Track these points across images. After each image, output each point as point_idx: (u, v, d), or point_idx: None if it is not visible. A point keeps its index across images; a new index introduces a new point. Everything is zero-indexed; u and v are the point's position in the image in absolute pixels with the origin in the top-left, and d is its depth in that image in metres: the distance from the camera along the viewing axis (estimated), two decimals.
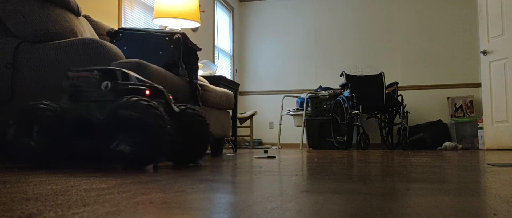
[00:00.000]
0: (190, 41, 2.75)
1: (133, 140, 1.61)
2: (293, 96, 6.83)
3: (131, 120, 1.61)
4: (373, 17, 6.96)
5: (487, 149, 5.11)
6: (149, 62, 2.54)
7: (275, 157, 2.98)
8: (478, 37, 6.42)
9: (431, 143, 6.06)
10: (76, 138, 1.76)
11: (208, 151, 4.29)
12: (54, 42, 2.30)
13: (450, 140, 6.10)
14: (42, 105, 1.75)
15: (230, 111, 4.62)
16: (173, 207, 0.76)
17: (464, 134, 5.99)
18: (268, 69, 7.37)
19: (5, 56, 2.30)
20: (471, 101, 6.36)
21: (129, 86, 1.76)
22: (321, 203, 0.82)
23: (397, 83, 5.74)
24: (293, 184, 1.18)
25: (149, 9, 4.61)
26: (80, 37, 2.48)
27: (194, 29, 5.55)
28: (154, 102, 1.67)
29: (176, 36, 2.63)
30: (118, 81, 1.76)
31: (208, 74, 4.39)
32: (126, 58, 2.61)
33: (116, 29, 2.78)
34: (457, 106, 6.40)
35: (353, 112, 5.21)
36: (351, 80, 5.59)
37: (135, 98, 1.63)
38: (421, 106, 6.70)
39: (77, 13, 2.61)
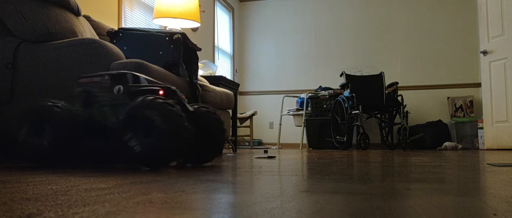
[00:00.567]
0: (190, 41, 2.75)
1: (151, 139, 1.60)
2: (293, 96, 6.83)
3: (148, 119, 1.60)
4: (373, 17, 6.96)
5: (487, 149, 5.11)
6: (149, 62, 2.54)
7: (275, 157, 2.98)
8: (478, 37, 6.42)
9: (431, 143, 6.06)
10: (90, 140, 1.77)
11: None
12: (54, 42, 2.30)
13: (450, 140, 6.10)
14: (56, 107, 1.76)
15: (230, 111, 4.62)
16: (174, 207, 0.76)
17: (464, 134, 5.99)
18: (268, 69, 7.37)
19: (5, 56, 2.30)
20: (471, 101, 6.36)
21: (142, 88, 1.77)
22: (321, 203, 0.82)
23: (397, 83, 5.74)
24: (293, 184, 1.18)
25: (149, 9, 4.61)
26: (80, 37, 2.48)
27: (194, 29, 5.55)
28: (170, 100, 1.67)
29: (176, 36, 2.63)
30: (130, 84, 1.77)
31: (208, 74, 4.39)
32: (126, 58, 2.61)
33: (116, 29, 2.78)
34: (457, 106, 6.40)
35: (353, 112, 5.21)
36: (351, 80, 5.59)
37: (151, 97, 1.63)
38: (421, 106, 6.70)
39: (77, 13, 2.61)
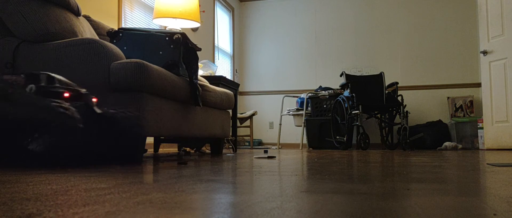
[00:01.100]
0: (190, 41, 2.75)
1: (43, 139, 1.71)
2: (293, 96, 6.84)
3: (42, 120, 1.71)
4: (373, 17, 6.96)
5: (487, 149, 5.11)
6: (149, 62, 2.54)
7: (275, 157, 2.98)
8: (478, 37, 6.42)
9: (431, 143, 6.06)
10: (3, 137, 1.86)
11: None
12: (54, 42, 2.30)
13: (450, 140, 6.10)
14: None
15: (230, 111, 4.62)
16: (174, 207, 0.76)
17: (464, 134, 5.99)
18: (268, 69, 7.37)
19: (5, 56, 2.30)
20: (471, 101, 6.36)
21: (50, 89, 1.87)
22: (321, 203, 0.82)
23: (397, 83, 5.74)
24: (293, 184, 1.18)
25: (149, 9, 4.61)
26: (80, 37, 2.48)
27: (194, 29, 5.55)
28: (67, 103, 1.77)
29: (176, 36, 2.63)
30: (42, 85, 1.87)
31: (208, 74, 4.39)
32: (126, 58, 2.61)
33: (116, 29, 2.78)
34: (457, 106, 6.40)
35: (353, 112, 5.21)
36: (351, 80, 5.59)
37: (47, 100, 1.74)
38: (421, 106, 6.70)
39: (77, 13, 2.61)
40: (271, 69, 7.35)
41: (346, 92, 5.50)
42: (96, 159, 2.06)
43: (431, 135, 6.09)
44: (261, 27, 7.43)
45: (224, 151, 4.56)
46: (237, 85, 4.64)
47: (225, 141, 4.74)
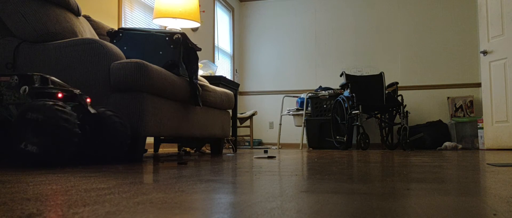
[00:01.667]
0: (190, 41, 2.75)
1: (38, 139, 1.73)
2: (293, 96, 6.84)
3: (37, 121, 1.72)
4: (373, 17, 6.96)
5: (487, 149, 5.11)
6: (149, 62, 2.54)
7: (275, 157, 2.98)
8: (478, 37, 6.42)
9: (431, 143, 6.06)
10: None
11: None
12: (54, 42, 2.30)
13: (450, 140, 6.10)
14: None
15: (230, 111, 4.62)
16: (174, 207, 0.76)
17: (464, 134, 5.99)
18: (268, 69, 7.37)
19: (5, 56, 2.30)
20: (471, 101, 6.36)
21: (43, 90, 1.89)
22: (321, 203, 0.82)
23: (397, 83, 5.74)
24: (293, 184, 1.18)
25: (149, 9, 4.61)
26: (80, 37, 2.48)
27: (194, 29, 5.55)
28: (62, 104, 1.78)
29: (176, 36, 2.63)
30: (35, 86, 1.89)
31: (208, 74, 4.39)
32: (126, 58, 2.61)
33: (116, 29, 2.78)
34: (457, 106, 6.40)
35: (353, 112, 5.21)
36: (351, 80, 5.59)
37: (42, 101, 1.75)
38: (421, 106, 6.70)
39: (77, 13, 2.61)
40: (271, 69, 7.35)
41: (346, 92, 5.50)
42: (90, 159, 2.08)
43: (431, 135, 6.09)
44: (261, 27, 7.43)
45: (224, 151, 4.56)
46: (237, 85, 4.64)
47: (225, 141, 4.74)
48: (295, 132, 7.14)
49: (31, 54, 2.29)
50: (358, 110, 5.15)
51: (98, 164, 1.93)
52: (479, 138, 5.50)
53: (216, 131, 3.42)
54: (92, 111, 2.00)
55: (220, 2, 6.65)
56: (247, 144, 7.06)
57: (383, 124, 5.84)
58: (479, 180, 1.31)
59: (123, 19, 4.04)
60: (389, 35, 6.87)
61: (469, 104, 6.36)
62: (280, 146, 6.96)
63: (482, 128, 5.38)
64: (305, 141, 6.73)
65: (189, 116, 2.88)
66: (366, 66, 6.93)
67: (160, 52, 2.65)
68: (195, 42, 5.59)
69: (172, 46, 2.64)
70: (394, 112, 5.59)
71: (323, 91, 6.25)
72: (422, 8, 6.78)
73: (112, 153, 2.05)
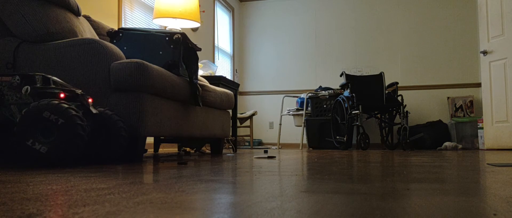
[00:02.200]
0: (190, 41, 2.75)
1: (49, 140, 1.75)
2: (293, 96, 6.84)
3: (52, 121, 1.74)
4: (373, 17, 6.96)
5: (487, 149, 5.11)
6: (149, 62, 2.54)
7: (275, 157, 2.98)
8: (478, 37, 6.42)
9: (431, 143, 6.06)
10: None
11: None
12: (54, 42, 2.30)
13: (450, 140, 6.10)
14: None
15: (230, 111, 4.62)
16: (174, 207, 0.76)
17: (464, 134, 5.99)
18: (268, 69, 7.37)
19: (5, 56, 2.30)
20: (471, 101, 6.36)
21: (46, 90, 1.90)
22: (321, 203, 0.82)
23: (397, 83, 5.74)
24: (293, 184, 1.18)
25: (149, 9, 4.61)
26: (80, 37, 2.48)
27: (194, 29, 5.55)
28: (72, 104, 1.82)
29: (176, 36, 2.63)
30: (37, 86, 1.90)
31: (208, 74, 4.39)
32: (126, 58, 2.61)
33: (116, 29, 2.78)
34: (457, 106, 6.40)
35: (353, 112, 5.21)
36: (351, 80, 5.59)
37: (56, 102, 1.77)
38: (421, 106, 6.70)
39: (77, 13, 2.61)
40: (271, 69, 7.35)
41: (346, 92, 5.50)
42: (90, 160, 2.08)
43: (431, 135, 6.09)
44: (261, 27, 7.43)
45: (224, 151, 4.56)
46: (237, 85, 4.64)
47: (225, 141, 4.74)
48: (295, 132, 7.14)
49: (31, 54, 2.29)
50: (358, 110, 5.15)
51: (98, 164, 1.93)
52: (479, 138, 5.50)
53: (216, 131, 3.42)
54: (94, 111, 2.01)
55: (220, 2, 6.65)
56: (247, 144, 7.06)
57: (383, 124, 5.84)
58: (479, 180, 1.31)
59: (123, 19, 4.04)
60: (389, 35, 6.87)
61: (469, 104, 6.36)
62: (280, 146, 6.96)
63: (482, 128, 5.38)
64: (305, 141, 6.73)
65: (189, 116, 2.88)
66: (366, 66, 6.93)
67: (160, 52, 2.65)
68: (195, 42, 5.59)
69: (172, 46, 2.64)
70: (394, 112, 5.59)
71: (323, 91, 6.25)
72: (422, 8, 6.78)
73: (113, 153, 2.05)
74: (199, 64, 3.59)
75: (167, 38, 2.65)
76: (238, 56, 7.40)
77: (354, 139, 6.10)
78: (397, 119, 6.50)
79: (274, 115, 7.27)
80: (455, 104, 6.42)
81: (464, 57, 6.57)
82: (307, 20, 7.25)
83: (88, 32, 2.70)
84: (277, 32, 7.36)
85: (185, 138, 3.55)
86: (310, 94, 6.29)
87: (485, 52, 5.16)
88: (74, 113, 1.76)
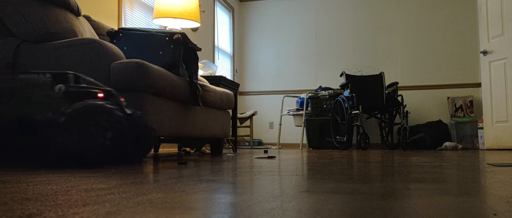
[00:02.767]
0: (190, 41, 2.75)
1: (88, 140, 1.76)
2: (293, 96, 6.84)
3: (98, 123, 1.75)
4: (373, 17, 6.96)
5: (487, 149, 5.11)
6: (149, 62, 2.54)
7: (275, 157, 2.98)
8: (478, 37, 6.42)
9: (431, 143, 6.06)
10: (24, 136, 1.86)
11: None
12: (54, 42, 2.30)
13: (450, 140, 6.10)
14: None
15: (230, 111, 4.62)
16: (174, 207, 0.76)
17: (464, 134, 5.99)
18: (268, 69, 7.37)
19: (6, 56, 2.30)
20: (471, 101, 6.36)
21: (82, 89, 1.88)
22: (322, 203, 0.82)
23: (397, 83, 5.74)
24: (293, 184, 1.18)
25: (149, 9, 4.61)
26: (80, 37, 2.48)
27: (194, 29, 5.55)
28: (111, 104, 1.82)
29: (176, 36, 2.63)
30: (71, 84, 1.88)
31: (208, 74, 4.39)
32: (126, 58, 2.61)
33: (116, 29, 2.78)
34: (457, 106, 6.40)
35: (353, 112, 5.21)
36: (351, 80, 5.59)
37: (104, 103, 1.78)
38: (421, 106, 6.70)
39: (77, 13, 2.61)
40: (271, 69, 7.35)
41: (346, 92, 5.50)
42: (115, 160, 2.06)
43: (431, 135, 6.09)
44: (261, 27, 7.43)
45: (224, 151, 4.56)
46: (237, 85, 4.64)
47: (225, 141, 4.74)
48: (295, 132, 7.14)
49: (31, 54, 2.29)
50: (358, 110, 5.15)
51: (117, 164, 1.93)
52: (479, 138, 5.50)
53: (216, 131, 3.42)
54: (129, 111, 1.98)
55: (220, 2, 6.65)
56: (247, 144, 7.06)
57: (383, 124, 5.84)
58: (479, 180, 1.31)
59: (123, 19, 4.04)
60: (389, 35, 6.87)
61: (469, 104, 6.36)
62: (280, 146, 6.96)
63: (482, 128, 5.38)
64: (305, 141, 6.73)
65: (189, 116, 2.88)
66: (366, 66, 6.93)
67: (160, 52, 2.65)
68: (195, 42, 5.59)
69: (172, 46, 2.64)
70: (394, 112, 5.59)
71: (323, 91, 6.25)
72: (422, 8, 6.78)
73: (143, 154, 2.05)
74: (199, 64, 3.59)
75: (167, 38, 2.65)
76: (238, 56, 7.40)
77: (354, 139, 6.10)
78: (397, 119, 6.50)
79: (274, 115, 7.27)
80: (455, 104, 6.42)
81: (464, 57, 6.58)
82: (307, 20, 7.24)
83: (88, 32, 2.70)
84: (277, 32, 7.36)
85: (185, 138, 3.55)
86: (310, 94, 6.29)
87: (485, 52, 5.16)
88: (122, 114, 1.77)
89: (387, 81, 6.46)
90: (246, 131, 7.12)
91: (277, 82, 7.31)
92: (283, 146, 7.13)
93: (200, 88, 2.89)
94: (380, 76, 5.67)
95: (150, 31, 2.70)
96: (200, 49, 2.88)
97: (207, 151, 4.28)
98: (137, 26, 4.33)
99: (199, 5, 4.16)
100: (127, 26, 4.05)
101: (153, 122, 2.36)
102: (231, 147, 4.79)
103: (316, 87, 7.01)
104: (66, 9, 2.49)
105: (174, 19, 3.80)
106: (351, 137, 5.34)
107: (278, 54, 7.34)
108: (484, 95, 5.22)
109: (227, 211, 0.73)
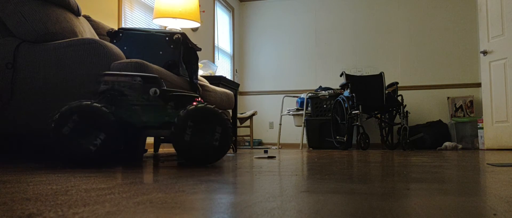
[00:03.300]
0: (190, 41, 2.76)
1: (218, 139, 1.88)
2: (293, 96, 6.84)
3: (214, 123, 1.86)
4: (373, 17, 6.96)
5: (487, 149, 5.11)
6: (149, 62, 2.54)
7: (275, 157, 2.98)
8: (478, 37, 6.42)
9: (431, 143, 6.06)
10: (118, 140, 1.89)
11: None
12: (54, 42, 2.30)
13: (450, 140, 6.10)
14: (105, 109, 1.83)
15: (230, 111, 4.62)
16: (174, 207, 0.76)
17: (464, 134, 5.99)
18: (268, 69, 7.37)
19: (5, 56, 2.30)
20: (471, 101, 6.36)
21: (177, 93, 1.95)
22: (321, 203, 0.82)
23: (397, 83, 5.74)
24: (293, 184, 1.18)
25: (149, 9, 4.61)
26: (80, 37, 2.48)
27: (194, 29, 5.55)
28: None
29: (176, 36, 2.63)
30: (165, 88, 1.94)
31: (208, 74, 4.39)
32: (126, 58, 2.61)
33: (116, 29, 2.78)
34: (457, 107, 6.40)
35: (353, 112, 5.21)
36: (351, 80, 5.59)
37: (214, 108, 1.88)
38: (421, 106, 6.70)
39: (77, 13, 2.61)
40: (271, 69, 7.35)
41: (346, 92, 5.50)
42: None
43: (431, 135, 6.09)
44: (261, 27, 7.43)
45: None
46: (237, 85, 4.64)
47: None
48: (295, 132, 7.14)
49: (31, 54, 2.29)
50: (358, 110, 5.15)
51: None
52: (479, 138, 5.50)
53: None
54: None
55: (220, 2, 6.65)
56: (247, 144, 7.06)
57: (383, 124, 5.84)
58: (479, 180, 1.31)
59: (123, 19, 4.04)
60: (389, 35, 6.87)
61: (469, 104, 6.36)
62: (280, 146, 6.96)
63: (482, 128, 5.38)
64: (305, 141, 6.73)
65: None
66: (366, 66, 6.93)
67: (160, 52, 2.65)
68: (195, 42, 5.59)
69: (172, 46, 2.64)
70: (394, 112, 5.59)
71: (323, 91, 6.25)
72: (422, 8, 6.78)
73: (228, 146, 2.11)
74: (199, 64, 3.59)
75: (167, 38, 2.65)
76: (238, 56, 7.40)
77: (354, 139, 6.10)
78: (397, 119, 6.50)
79: (274, 115, 7.27)
80: (455, 104, 6.42)
81: (464, 57, 6.57)
82: (307, 20, 7.24)
83: (88, 32, 2.70)
84: (277, 32, 7.36)
85: None
86: (310, 94, 6.29)
87: (485, 52, 5.16)
88: (228, 119, 1.87)
89: (387, 81, 6.46)
90: (246, 131, 7.12)
91: (277, 82, 7.31)
92: (283, 146, 7.13)
93: (200, 88, 2.89)
94: (380, 76, 5.67)
95: (150, 31, 2.70)
96: (200, 49, 2.88)
97: None
98: (137, 26, 4.33)
99: (199, 5, 4.16)
100: (127, 26, 4.05)
101: None
102: (231, 147, 4.79)
103: (316, 87, 7.01)
104: (66, 9, 2.50)
105: (174, 19, 3.80)
106: (351, 137, 5.34)
107: (278, 54, 7.34)
108: (484, 95, 5.22)
109: (227, 211, 0.73)
